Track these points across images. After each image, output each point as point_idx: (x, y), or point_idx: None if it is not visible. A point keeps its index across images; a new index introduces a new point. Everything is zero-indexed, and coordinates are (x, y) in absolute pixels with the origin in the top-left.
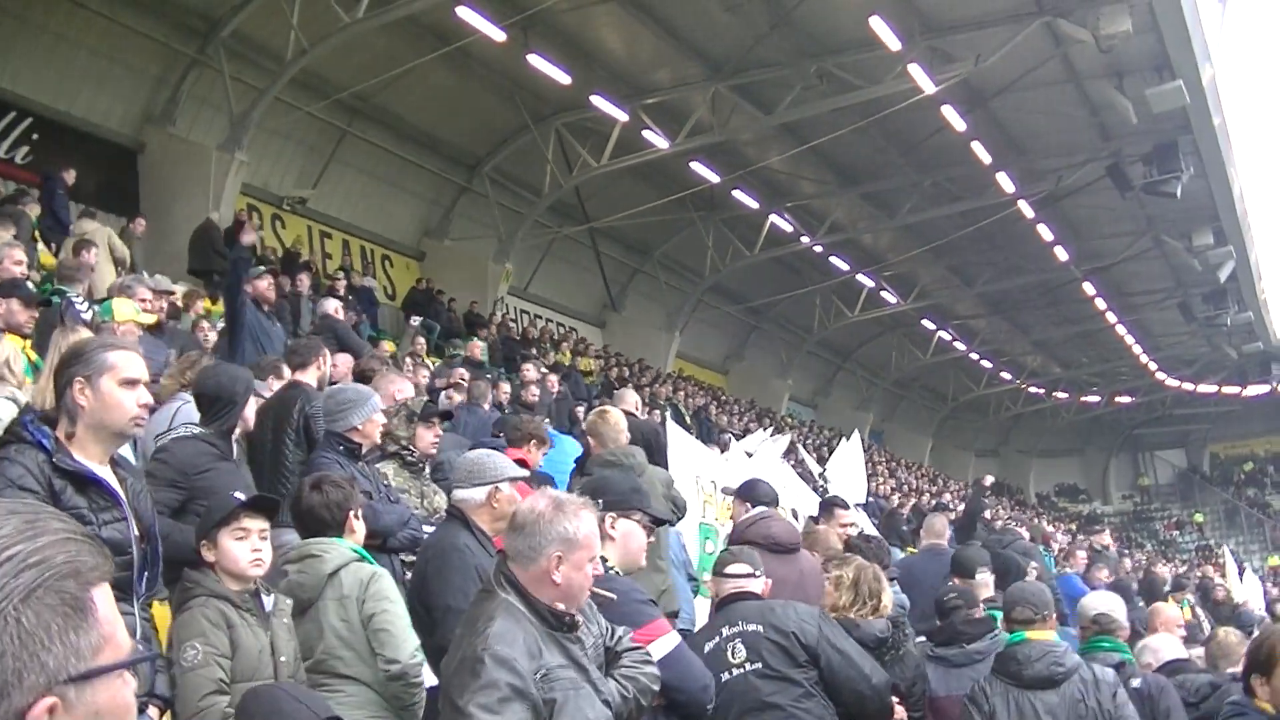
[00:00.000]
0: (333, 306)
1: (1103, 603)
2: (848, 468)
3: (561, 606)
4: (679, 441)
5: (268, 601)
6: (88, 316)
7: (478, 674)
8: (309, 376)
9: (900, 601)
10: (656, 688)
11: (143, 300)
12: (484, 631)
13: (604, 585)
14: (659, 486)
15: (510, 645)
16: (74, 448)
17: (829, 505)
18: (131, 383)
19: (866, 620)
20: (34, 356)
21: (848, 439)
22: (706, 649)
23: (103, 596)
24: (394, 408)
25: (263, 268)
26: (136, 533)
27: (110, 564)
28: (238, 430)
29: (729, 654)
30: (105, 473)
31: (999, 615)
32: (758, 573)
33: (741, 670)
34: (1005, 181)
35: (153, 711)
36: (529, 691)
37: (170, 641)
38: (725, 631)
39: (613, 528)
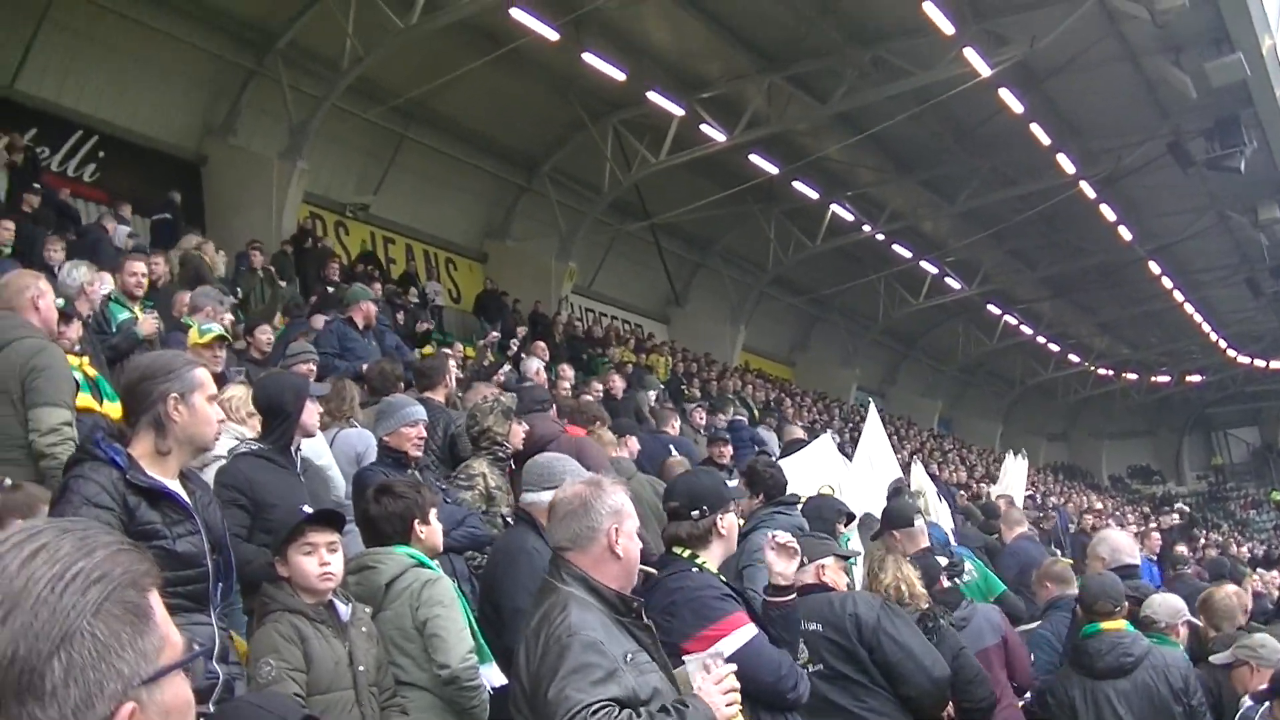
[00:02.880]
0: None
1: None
2: (1012, 484)
3: (620, 587)
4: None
5: (344, 611)
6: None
7: (564, 658)
8: (438, 395)
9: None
10: None
11: (212, 315)
12: (563, 620)
13: (682, 581)
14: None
15: (594, 630)
16: (151, 463)
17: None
18: (215, 398)
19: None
20: (92, 373)
21: (1016, 457)
22: None
23: (156, 600)
24: (489, 404)
25: (372, 291)
26: (208, 544)
27: (155, 569)
28: (297, 439)
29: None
30: (176, 486)
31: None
32: (805, 560)
33: (805, 671)
34: (1065, 163)
35: None
36: (620, 673)
37: (247, 657)
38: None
39: (722, 525)
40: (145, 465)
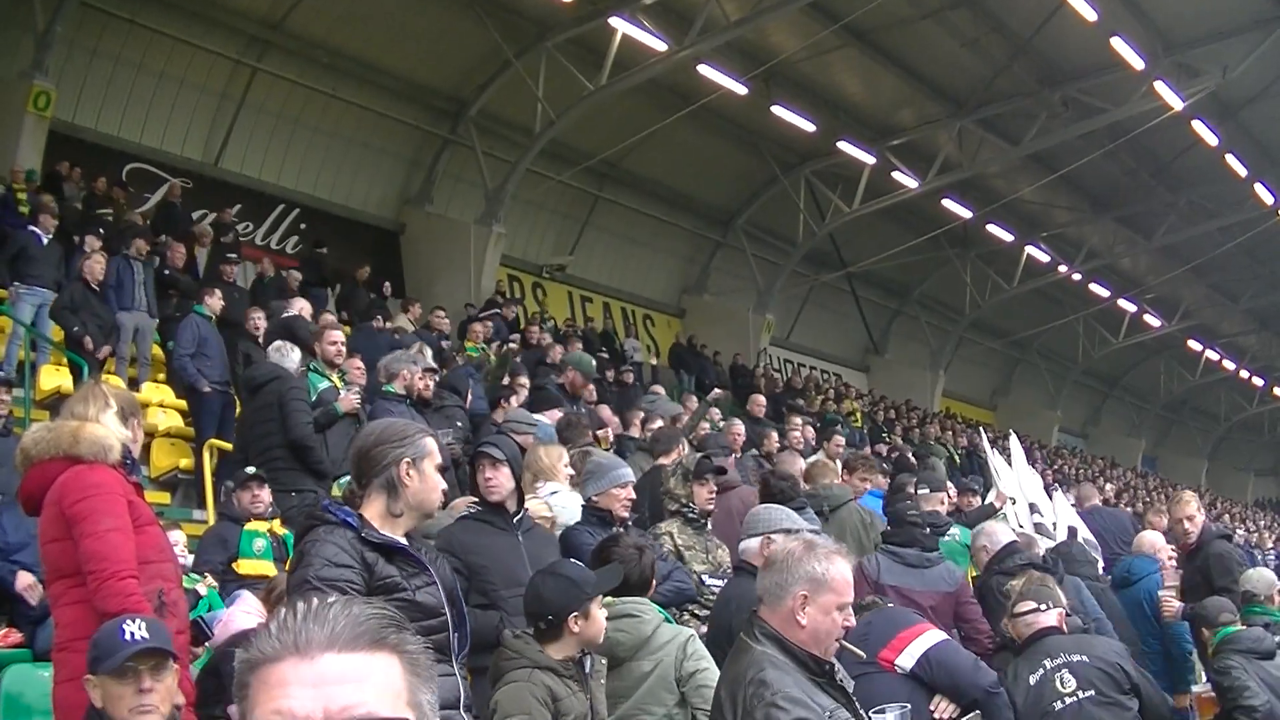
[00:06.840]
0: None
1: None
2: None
3: (817, 653)
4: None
5: (587, 663)
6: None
7: (775, 717)
8: (670, 460)
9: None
10: None
11: (405, 377)
12: (761, 679)
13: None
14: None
15: (793, 688)
16: (382, 524)
17: None
18: (443, 468)
19: None
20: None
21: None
22: (1032, 680)
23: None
24: (671, 467)
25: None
26: (444, 595)
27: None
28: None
29: (1058, 684)
30: (405, 543)
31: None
32: (1043, 606)
33: (1075, 698)
34: (1263, 193)
35: None
36: None
37: (492, 712)
38: (1048, 664)
39: None
40: (377, 526)
